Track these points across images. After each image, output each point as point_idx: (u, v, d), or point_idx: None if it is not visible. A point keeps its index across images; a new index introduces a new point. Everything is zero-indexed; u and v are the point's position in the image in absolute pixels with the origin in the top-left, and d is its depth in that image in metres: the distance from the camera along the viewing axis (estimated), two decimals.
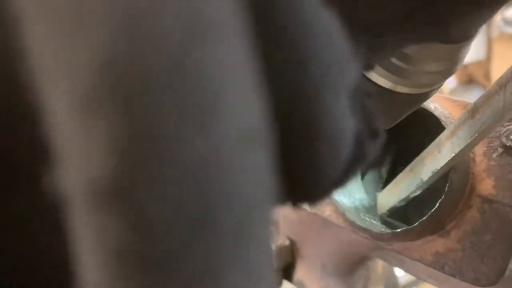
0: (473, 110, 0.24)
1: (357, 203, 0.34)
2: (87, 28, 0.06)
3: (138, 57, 0.07)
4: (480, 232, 0.28)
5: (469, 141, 0.23)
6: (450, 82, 2.02)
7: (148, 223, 0.07)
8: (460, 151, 0.24)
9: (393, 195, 0.31)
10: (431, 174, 0.28)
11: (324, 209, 0.35)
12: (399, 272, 0.77)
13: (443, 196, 0.28)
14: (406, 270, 0.48)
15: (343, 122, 0.11)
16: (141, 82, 0.07)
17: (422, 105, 0.31)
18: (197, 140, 0.07)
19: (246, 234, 0.08)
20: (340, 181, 0.12)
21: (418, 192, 0.29)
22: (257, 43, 0.08)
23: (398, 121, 0.25)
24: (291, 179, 0.11)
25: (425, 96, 0.23)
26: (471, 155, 0.29)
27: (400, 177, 0.31)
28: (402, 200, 0.30)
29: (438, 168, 0.26)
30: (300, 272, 0.60)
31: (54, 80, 0.07)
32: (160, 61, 0.07)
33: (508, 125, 0.27)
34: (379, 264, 0.62)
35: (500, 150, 0.28)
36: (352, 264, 0.54)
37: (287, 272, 0.60)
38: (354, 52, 0.11)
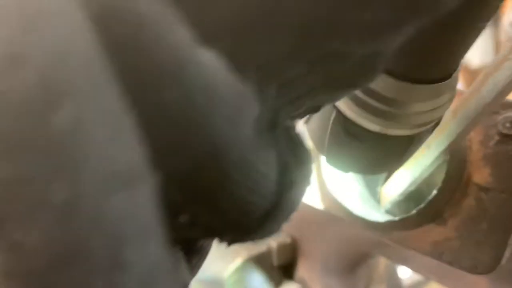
0: (454, 110, 0.25)
1: (355, 195, 0.35)
2: None
3: None
4: (477, 220, 0.28)
5: (452, 139, 0.24)
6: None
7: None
8: (445, 147, 0.25)
9: (392, 189, 0.31)
10: (421, 171, 0.28)
11: (323, 201, 0.35)
12: (403, 274, 0.77)
13: (440, 184, 0.28)
14: (409, 266, 0.48)
15: (251, 155, 0.11)
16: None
17: None
18: (56, 185, 0.07)
19: (122, 272, 0.08)
20: (274, 211, 0.12)
21: (413, 187, 0.29)
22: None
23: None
24: (217, 220, 0.11)
25: (423, 134, 0.22)
26: (468, 143, 0.29)
27: (399, 172, 0.31)
28: (401, 194, 0.31)
29: (428, 164, 0.27)
30: (302, 270, 0.60)
31: None
32: None
33: (504, 113, 0.28)
34: (381, 263, 0.62)
35: (496, 138, 0.28)
36: (354, 263, 0.54)
37: (289, 270, 0.60)
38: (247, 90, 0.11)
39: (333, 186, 0.34)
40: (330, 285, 0.59)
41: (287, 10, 0.10)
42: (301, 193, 0.14)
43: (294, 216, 0.44)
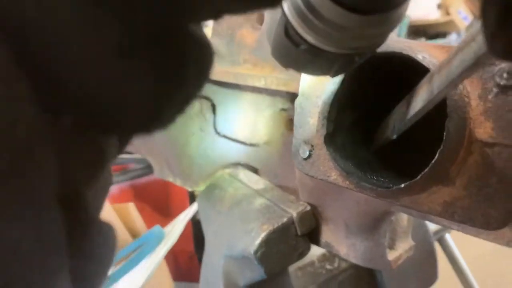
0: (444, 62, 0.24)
1: (360, 161, 0.34)
2: None
3: None
4: (485, 176, 0.28)
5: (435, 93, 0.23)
6: (466, 19, 1.93)
7: None
8: (429, 102, 0.24)
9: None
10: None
11: (330, 174, 0.35)
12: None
13: (441, 146, 0.28)
14: (429, 220, 0.47)
15: None
16: None
17: (410, 56, 0.30)
18: None
19: None
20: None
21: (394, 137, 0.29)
22: None
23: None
24: None
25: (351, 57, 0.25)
26: (466, 99, 0.28)
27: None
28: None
29: (408, 117, 0.26)
30: (325, 235, 0.61)
31: None
32: None
33: (500, 64, 0.26)
34: (404, 217, 0.62)
35: (495, 90, 0.27)
36: (375, 221, 0.54)
37: (314, 236, 0.61)
38: None
39: (337, 158, 0.34)
40: (355, 245, 0.59)
41: None
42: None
43: (309, 185, 0.44)
